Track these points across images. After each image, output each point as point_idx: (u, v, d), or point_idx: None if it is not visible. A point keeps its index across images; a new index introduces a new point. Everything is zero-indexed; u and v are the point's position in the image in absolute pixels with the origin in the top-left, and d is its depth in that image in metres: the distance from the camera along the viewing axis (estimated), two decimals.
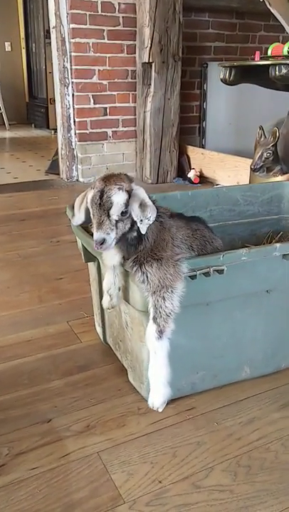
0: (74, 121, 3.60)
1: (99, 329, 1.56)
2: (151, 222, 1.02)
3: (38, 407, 1.30)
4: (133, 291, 1.14)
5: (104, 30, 3.46)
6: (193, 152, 3.76)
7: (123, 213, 0.99)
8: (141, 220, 1.00)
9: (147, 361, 1.22)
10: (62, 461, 1.13)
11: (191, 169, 3.68)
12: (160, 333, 1.08)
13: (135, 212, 1.00)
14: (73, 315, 1.76)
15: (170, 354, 1.12)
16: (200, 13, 3.83)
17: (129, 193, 1.00)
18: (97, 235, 0.99)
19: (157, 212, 1.08)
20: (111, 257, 1.14)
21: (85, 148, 3.66)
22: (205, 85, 3.96)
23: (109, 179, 1.01)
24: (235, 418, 1.26)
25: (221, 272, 1.13)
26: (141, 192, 1.02)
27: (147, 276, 1.05)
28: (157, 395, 1.15)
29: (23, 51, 7.17)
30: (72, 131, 3.63)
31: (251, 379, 1.39)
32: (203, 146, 4.03)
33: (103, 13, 3.42)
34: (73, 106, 3.55)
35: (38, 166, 4.44)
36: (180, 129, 3.74)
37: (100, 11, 3.41)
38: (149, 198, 1.05)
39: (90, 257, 1.37)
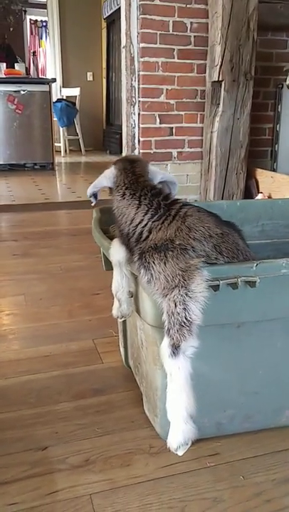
0: (138, 141, 3.52)
1: (122, 350, 1.37)
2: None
3: (37, 431, 1.13)
4: (142, 299, 0.95)
5: (174, 49, 3.38)
6: (262, 175, 3.52)
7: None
8: None
9: (161, 389, 1.01)
10: (48, 499, 0.95)
11: (259, 193, 3.44)
12: (174, 347, 0.85)
13: None
14: (101, 333, 1.59)
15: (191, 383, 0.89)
16: (277, 32, 3.65)
17: None
18: None
19: (163, 199, 0.99)
20: (116, 250, 0.98)
21: None
22: (279, 107, 3.73)
23: None
24: (268, 473, 1.01)
25: (252, 284, 0.91)
26: None
27: (152, 274, 0.86)
28: (175, 433, 0.90)
29: (104, 80, 7.39)
30: (137, 151, 3.55)
31: None
32: (274, 170, 3.77)
33: (174, 33, 3.35)
34: (138, 125, 3.48)
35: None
36: (250, 152, 3.52)
37: (171, 31, 3.35)
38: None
39: (110, 264, 1.20)
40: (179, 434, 0.89)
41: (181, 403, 0.88)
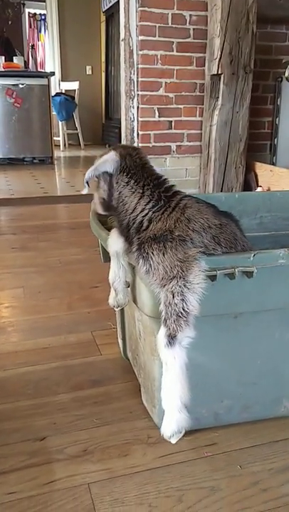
0: (137, 134, 3.51)
1: (120, 342, 1.38)
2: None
3: (35, 422, 1.14)
4: (140, 290, 0.95)
5: (173, 42, 3.37)
6: (261, 169, 3.52)
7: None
8: None
9: (159, 380, 1.01)
10: (46, 488, 0.95)
11: (258, 186, 3.44)
12: (170, 337, 0.86)
13: None
14: (99, 325, 1.59)
15: (188, 373, 0.90)
16: (276, 25, 3.63)
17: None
18: None
19: (164, 191, 0.97)
20: (114, 241, 0.98)
21: None
22: (279, 100, 3.72)
23: None
24: (266, 463, 1.01)
25: (250, 274, 0.91)
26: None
27: (150, 265, 0.86)
28: (169, 421, 0.91)
29: (103, 74, 7.36)
30: (135, 145, 3.54)
31: None
32: (274, 164, 3.76)
33: (173, 25, 3.33)
34: (137, 119, 3.47)
35: None
36: (249, 145, 3.51)
37: (170, 23, 3.33)
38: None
39: (108, 256, 1.20)
40: (172, 423, 0.90)
41: (175, 392, 0.89)
